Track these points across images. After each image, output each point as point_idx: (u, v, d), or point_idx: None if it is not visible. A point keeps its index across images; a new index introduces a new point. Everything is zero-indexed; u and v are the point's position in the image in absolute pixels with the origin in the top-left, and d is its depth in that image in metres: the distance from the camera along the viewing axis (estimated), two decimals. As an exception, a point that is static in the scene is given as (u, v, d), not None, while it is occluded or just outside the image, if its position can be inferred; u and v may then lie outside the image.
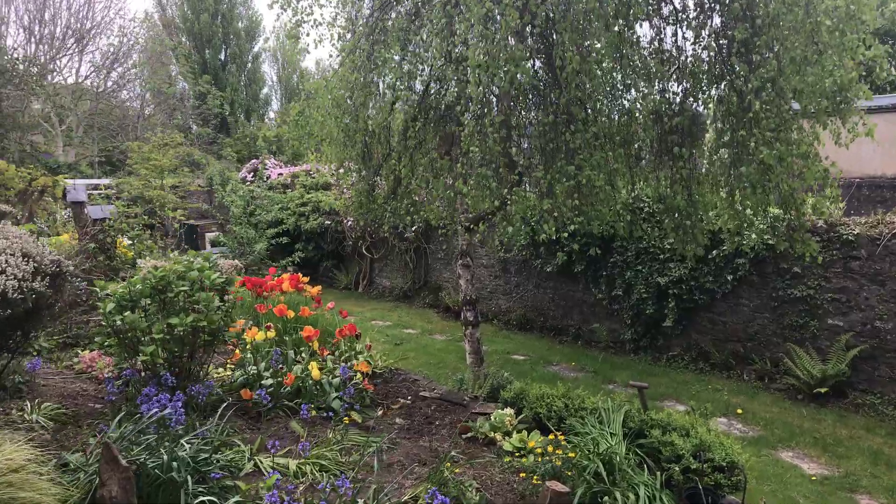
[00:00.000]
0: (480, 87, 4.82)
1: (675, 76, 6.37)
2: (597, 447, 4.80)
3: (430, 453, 5.30)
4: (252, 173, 18.46)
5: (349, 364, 7.08)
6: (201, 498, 3.42)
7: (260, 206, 15.55)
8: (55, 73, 28.54)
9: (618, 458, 4.69)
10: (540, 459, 4.99)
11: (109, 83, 29.47)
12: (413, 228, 13.89)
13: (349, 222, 14.85)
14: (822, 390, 8.01)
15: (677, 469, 4.61)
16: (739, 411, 7.96)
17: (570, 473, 4.56)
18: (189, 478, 3.46)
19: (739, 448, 4.78)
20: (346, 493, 3.41)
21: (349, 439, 5.31)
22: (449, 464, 4.64)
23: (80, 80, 29.57)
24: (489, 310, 12.79)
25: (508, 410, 5.90)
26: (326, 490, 3.56)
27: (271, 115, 43.35)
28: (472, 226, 7.68)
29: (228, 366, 6.68)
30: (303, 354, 7.03)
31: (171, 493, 3.47)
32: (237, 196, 13.77)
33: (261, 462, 4.59)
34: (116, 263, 7.42)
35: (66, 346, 6.81)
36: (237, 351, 6.26)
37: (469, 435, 5.68)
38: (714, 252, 9.20)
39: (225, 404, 5.60)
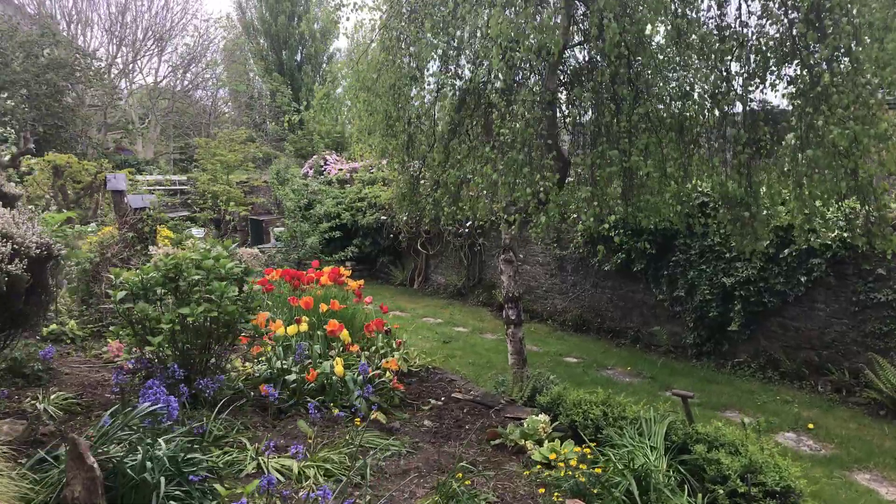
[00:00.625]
0: (503, 61, 4.38)
1: (737, 54, 5.72)
2: (632, 462, 4.28)
3: (453, 460, 4.90)
4: (312, 169, 18.51)
5: (380, 361, 6.77)
6: (172, 503, 3.14)
7: (315, 200, 15.49)
8: (136, 74, 29.61)
9: (655, 476, 4.17)
10: (569, 473, 4.51)
11: (185, 83, 30.35)
12: (468, 224, 13.49)
13: (404, 217, 14.58)
14: (908, 406, 7.15)
15: (721, 492, 4.04)
16: (811, 426, 7.18)
17: (596, 491, 4.06)
18: (163, 479, 3.18)
19: (798, 470, 4.16)
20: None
21: (367, 441, 4.97)
22: (461, 474, 4.23)
23: (158, 80, 30.60)
24: (544, 309, 12.25)
25: (543, 417, 5.42)
26: (310, 499, 3.22)
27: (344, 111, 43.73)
28: (511, 217, 7.20)
29: (259, 360, 6.47)
30: (338, 350, 6.75)
31: (144, 495, 3.20)
32: (290, 190, 13.72)
33: (264, 463, 4.31)
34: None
35: (98, 335, 6.76)
36: (257, 345, 6.02)
37: (498, 441, 5.25)
38: (786, 251, 8.40)
39: (244, 400, 5.38)
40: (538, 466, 4.82)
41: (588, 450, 4.75)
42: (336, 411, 5.46)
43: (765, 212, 5.90)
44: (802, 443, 6.92)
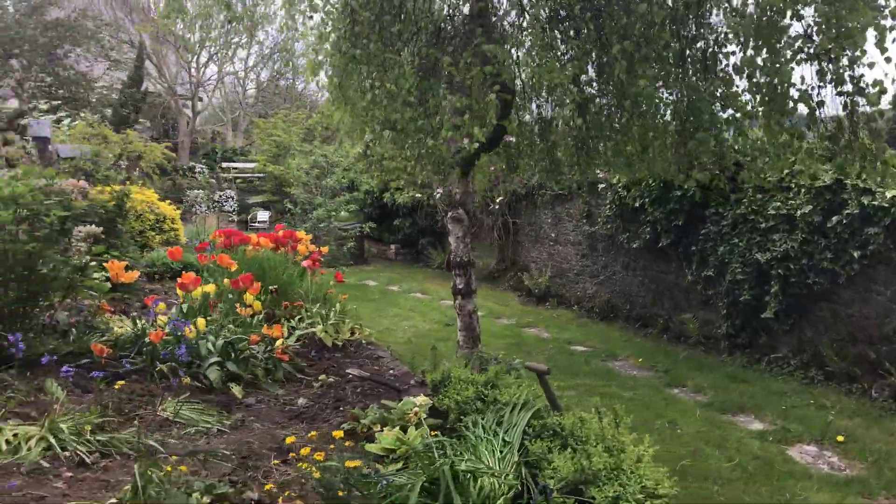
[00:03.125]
0: None
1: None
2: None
3: (270, 445, 3.85)
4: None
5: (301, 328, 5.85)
6: None
7: (357, 179, 14.79)
8: (226, 63, 30.33)
9: (482, 479, 2.93)
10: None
11: (270, 73, 30.81)
12: (499, 200, 12.27)
13: (438, 194, 13.54)
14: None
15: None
16: (840, 439, 5.52)
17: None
18: None
19: (669, 485, 2.78)
20: None
21: (180, 415, 4.02)
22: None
23: (247, 69, 31.27)
24: (572, 294, 10.81)
25: (421, 399, 4.25)
26: None
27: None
28: (452, 161, 6.02)
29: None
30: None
31: None
32: (303, 160, 12.97)
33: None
34: (91, 211, 6.77)
35: None
36: (104, 302, 5.19)
37: (350, 427, 4.15)
38: (834, 219, 6.65)
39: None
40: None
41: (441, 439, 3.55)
42: (186, 380, 4.56)
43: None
44: (822, 459, 5.29)
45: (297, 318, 6.31)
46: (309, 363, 5.66)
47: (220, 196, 23.96)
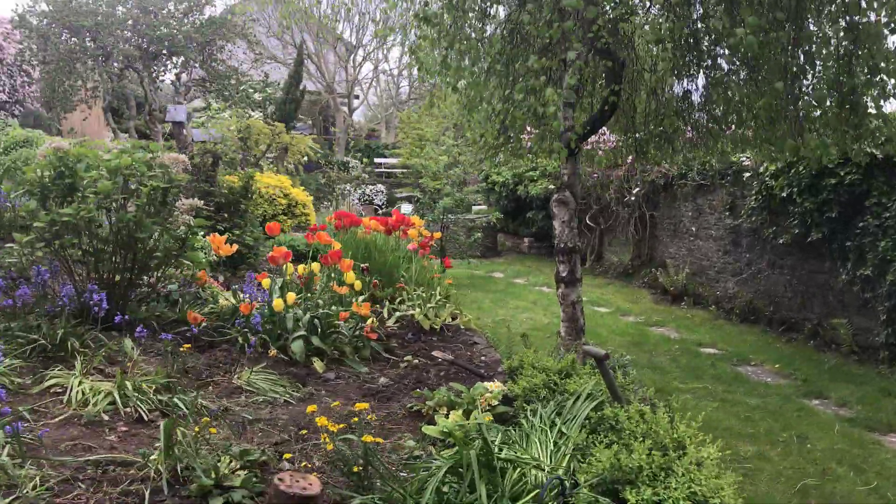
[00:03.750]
0: None
1: None
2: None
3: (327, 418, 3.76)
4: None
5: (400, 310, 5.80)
6: None
7: (492, 171, 14.63)
8: (383, 62, 31.39)
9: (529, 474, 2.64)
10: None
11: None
12: (636, 191, 11.58)
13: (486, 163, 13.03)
14: None
15: None
16: None
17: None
18: None
19: (732, 493, 2.31)
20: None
21: (251, 383, 4.05)
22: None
23: (401, 68, 32.17)
24: (711, 294, 9.92)
25: (495, 385, 3.99)
26: None
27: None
28: (573, 145, 5.62)
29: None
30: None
31: None
32: (431, 150, 12.89)
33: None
34: (219, 192, 7.14)
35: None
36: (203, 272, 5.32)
37: (417, 408, 3.97)
38: None
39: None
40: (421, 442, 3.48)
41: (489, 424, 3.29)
42: (273, 352, 4.63)
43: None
44: None
45: (398, 301, 6.26)
46: (403, 344, 5.57)
47: (372, 190, 25.00)
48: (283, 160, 14.47)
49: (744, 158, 9.19)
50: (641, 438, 2.44)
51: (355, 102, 31.43)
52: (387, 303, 6.28)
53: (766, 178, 8.52)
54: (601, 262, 13.43)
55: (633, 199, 11.67)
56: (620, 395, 2.96)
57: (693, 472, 2.28)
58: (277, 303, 4.74)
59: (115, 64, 11.06)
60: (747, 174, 9.06)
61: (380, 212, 23.33)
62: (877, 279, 6.98)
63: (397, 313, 6.03)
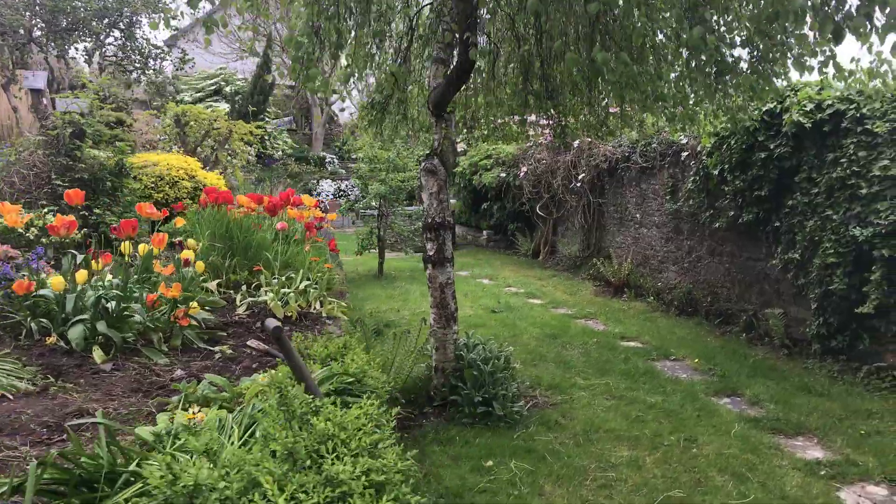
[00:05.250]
0: None
1: None
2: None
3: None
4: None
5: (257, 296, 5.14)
6: None
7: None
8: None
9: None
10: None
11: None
12: (581, 176, 10.85)
13: (522, 172, 12.29)
14: None
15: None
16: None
17: None
18: None
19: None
20: None
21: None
22: None
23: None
24: (652, 285, 9.19)
25: (263, 377, 3.29)
26: None
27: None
28: (434, 106, 4.91)
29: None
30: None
31: None
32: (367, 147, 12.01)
33: None
34: (82, 167, 6.43)
35: None
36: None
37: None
38: (960, 176, 4.79)
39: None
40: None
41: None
42: (51, 340, 3.95)
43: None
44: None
45: (254, 286, 5.57)
46: (248, 332, 4.87)
47: (347, 185, 24.46)
48: (223, 149, 13.78)
49: (682, 137, 8.47)
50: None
51: (336, 98, 30.68)
52: (243, 287, 5.60)
53: (704, 157, 7.80)
54: (555, 254, 12.69)
55: (579, 185, 10.94)
56: (311, 381, 2.24)
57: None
58: (55, 281, 4.04)
59: (12, 39, 10.38)
60: (685, 153, 8.33)
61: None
62: (805, 263, 6.25)
63: (248, 299, 5.35)
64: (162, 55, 12.68)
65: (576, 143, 11.03)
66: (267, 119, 24.08)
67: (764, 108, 6.55)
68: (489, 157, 13.72)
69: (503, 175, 13.00)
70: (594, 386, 5.63)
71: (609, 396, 5.38)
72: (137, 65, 11.79)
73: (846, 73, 4.57)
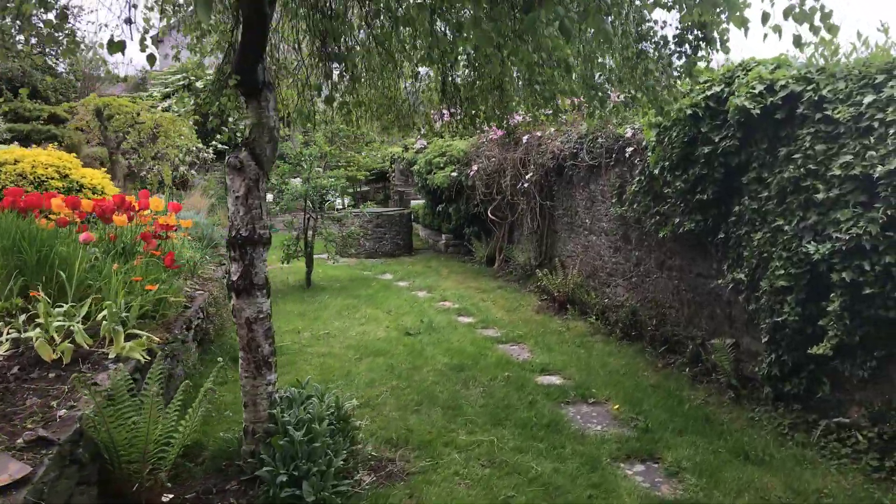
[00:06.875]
0: None
1: None
2: None
3: None
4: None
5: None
6: None
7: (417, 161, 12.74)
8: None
9: None
10: None
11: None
12: (528, 176, 9.59)
13: (472, 171, 11.02)
14: None
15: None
16: None
17: None
18: None
19: None
20: None
21: None
22: None
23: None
24: (598, 302, 7.92)
25: None
26: None
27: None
28: (241, 81, 3.70)
29: None
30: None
31: None
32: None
33: None
34: None
35: None
36: None
37: None
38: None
39: None
40: None
41: None
42: None
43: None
44: None
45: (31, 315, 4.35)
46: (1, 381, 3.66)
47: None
48: (153, 145, 12.59)
49: (628, 129, 7.22)
50: None
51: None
52: (21, 317, 4.36)
53: (649, 154, 6.54)
54: (510, 262, 11.43)
55: (526, 185, 9.68)
56: None
57: None
58: None
59: None
60: (630, 148, 7.07)
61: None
62: (755, 284, 4.99)
63: (13, 334, 4.13)
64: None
65: (524, 139, 9.79)
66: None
67: (709, 92, 5.30)
68: (443, 155, 12.46)
69: (454, 174, 11.75)
70: (476, 444, 4.39)
71: (487, 462, 4.14)
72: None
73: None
